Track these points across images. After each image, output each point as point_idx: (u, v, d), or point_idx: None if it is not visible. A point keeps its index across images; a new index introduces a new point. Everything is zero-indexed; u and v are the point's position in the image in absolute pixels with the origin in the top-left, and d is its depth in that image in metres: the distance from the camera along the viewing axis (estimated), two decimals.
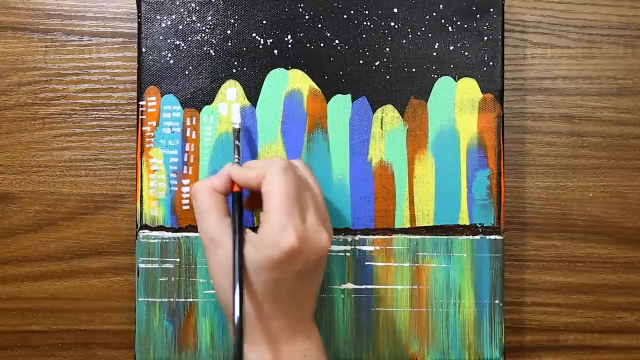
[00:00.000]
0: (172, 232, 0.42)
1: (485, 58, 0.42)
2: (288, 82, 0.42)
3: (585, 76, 0.46)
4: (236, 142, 0.40)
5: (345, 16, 0.42)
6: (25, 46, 0.45)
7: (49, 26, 0.45)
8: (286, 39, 0.42)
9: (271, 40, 0.42)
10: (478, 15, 0.42)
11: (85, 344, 0.44)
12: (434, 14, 0.42)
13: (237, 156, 0.39)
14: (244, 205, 0.38)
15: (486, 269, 0.42)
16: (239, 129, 0.40)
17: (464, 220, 0.42)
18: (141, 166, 0.42)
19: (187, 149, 0.42)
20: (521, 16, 0.46)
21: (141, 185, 0.42)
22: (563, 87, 0.46)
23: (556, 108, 0.46)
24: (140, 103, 0.42)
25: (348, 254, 0.42)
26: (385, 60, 0.42)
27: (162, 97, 0.42)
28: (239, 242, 0.34)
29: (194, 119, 0.42)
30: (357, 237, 0.42)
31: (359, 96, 0.42)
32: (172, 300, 0.42)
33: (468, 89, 0.43)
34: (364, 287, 0.42)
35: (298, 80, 0.42)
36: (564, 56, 0.46)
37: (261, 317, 0.35)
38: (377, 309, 0.42)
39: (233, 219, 0.35)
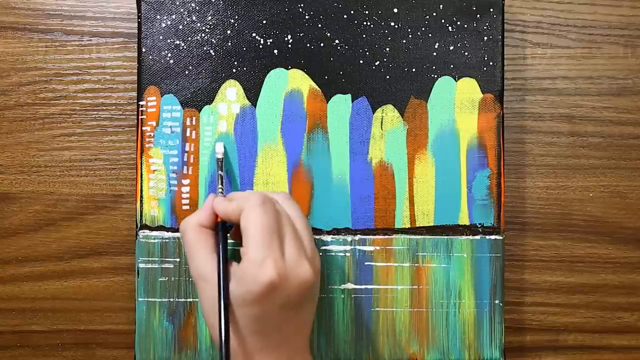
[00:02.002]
0: (172, 232, 0.42)
1: (485, 58, 0.42)
2: (288, 82, 0.42)
3: (585, 76, 0.46)
4: (219, 172, 0.40)
5: (345, 16, 0.42)
6: (25, 46, 0.45)
7: (49, 26, 0.45)
8: (286, 39, 0.42)
9: (271, 40, 0.42)
10: (478, 15, 0.42)
11: (85, 344, 0.44)
12: (434, 14, 0.42)
13: (220, 186, 0.39)
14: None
15: (486, 269, 0.42)
16: (222, 158, 0.40)
17: (464, 220, 0.42)
18: (141, 166, 0.42)
19: (187, 149, 0.42)
20: (521, 16, 0.46)
21: (141, 185, 0.42)
22: (563, 87, 0.46)
23: (556, 108, 0.46)
24: (140, 103, 0.42)
25: (348, 254, 0.42)
26: (385, 60, 0.42)
27: (162, 97, 0.42)
28: (224, 273, 0.34)
29: (194, 119, 0.42)
30: (357, 237, 0.42)
31: (359, 96, 0.42)
32: (172, 300, 0.42)
33: (468, 89, 0.43)
34: (364, 287, 0.42)
35: (298, 80, 0.42)
36: (564, 56, 0.46)
37: (248, 353, 0.34)
38: (377, 309, 0.42)
39: (217, 250, 0.36)
